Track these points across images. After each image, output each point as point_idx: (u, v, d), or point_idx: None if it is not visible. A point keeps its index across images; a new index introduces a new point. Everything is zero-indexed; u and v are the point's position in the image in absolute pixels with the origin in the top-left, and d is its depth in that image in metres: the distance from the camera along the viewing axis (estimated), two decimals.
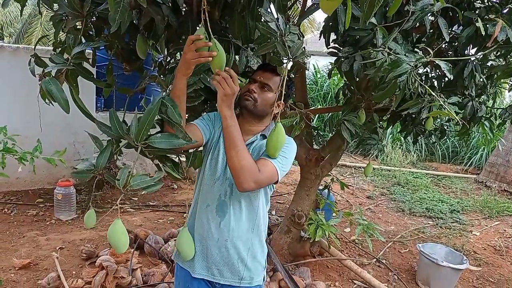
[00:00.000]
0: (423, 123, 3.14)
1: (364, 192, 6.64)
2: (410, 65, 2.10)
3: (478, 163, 9.02)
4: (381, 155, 8.76)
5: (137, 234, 3.72)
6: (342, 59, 2.51)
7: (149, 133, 1.45)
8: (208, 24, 1.39)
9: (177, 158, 1.80)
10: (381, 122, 3.95)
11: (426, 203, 6.07)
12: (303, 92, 3.42)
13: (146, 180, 1.45)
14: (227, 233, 1.64)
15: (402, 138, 8.97)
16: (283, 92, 1.50)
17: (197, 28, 1.89)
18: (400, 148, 8.75)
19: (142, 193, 5.34)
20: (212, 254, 1.66)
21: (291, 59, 1.61)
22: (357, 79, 2.70)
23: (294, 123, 2.47)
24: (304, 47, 1.68)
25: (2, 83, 4.66)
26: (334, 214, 3.86)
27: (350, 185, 6.95)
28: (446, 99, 2.60)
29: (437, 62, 2.13)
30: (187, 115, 1.89)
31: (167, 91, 1.69)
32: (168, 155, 1.72)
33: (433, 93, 2.07)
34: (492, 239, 4.96)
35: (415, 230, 5.05)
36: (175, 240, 3.67)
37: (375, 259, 4.01)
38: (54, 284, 2.90)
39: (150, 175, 1.45)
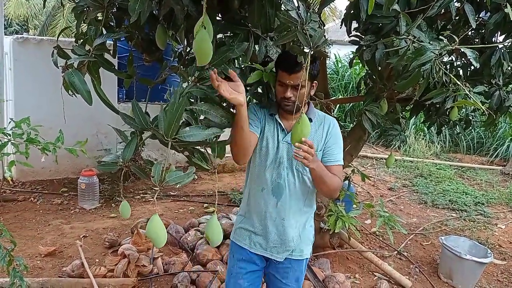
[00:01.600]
0: (447, 113, 3.04)
1: (386, 184, 6.55)
2: (435, 53, 2.04)
3: (505, 155, 8.76)
4: (403, 146, 8.60)
5: None
6: (364, 48, 2.47)
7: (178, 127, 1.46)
8: (204, 11, 1.37)
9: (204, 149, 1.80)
10: (403, 112, 3.89)
11: (450, 195, 5.94)
12: (323, 82, 3.37)
13: (181, 176, 1.46)
14: (284, 212, 1.82)
15: (426, 129, 8.78)
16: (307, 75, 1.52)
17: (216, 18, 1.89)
18: (423, 139, 8.57)
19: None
20: (270, 232, 1.84)
21: (312, 49, 1.58)
22: (379, 68, 2.65)
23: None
24: (325, 36, 1.65)
25: (27, 74, 4.77)
26: (354, 206, 3.82)
27: (371, 177, 6.85)
28: (471, 89, 2.53)
29: (462, 50, 2.07)
30: None
31: (188, 82, 1.69)
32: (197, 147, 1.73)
33: (458, 82, 2.00)
34: None
35: (437, 222, 4.96)
36: (195, 229, 3.72)
37: (396, 252, 3.96)
38: (78, 271, 2.98)
39: (170, 165, 1.46)
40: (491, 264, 3.85)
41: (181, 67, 2.09)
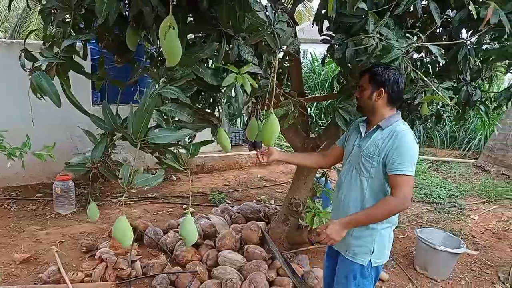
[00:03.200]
0: (418, 109, 3.13)
1: None
2: (402, 51, 2.10)
3: (477, 148, 9.03)
4: None
5: (137, 226, 3.74)
6: (335, 47, 2.51)
7: (147, 129, 1.46)
8: (171, 12, 1.39)
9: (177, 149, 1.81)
10: None
11: (425, 189, 6.09)
12: (298, 80, 3.40)
13: (149, 178, 1.47)
14: (341, 203, 2.04)
15: None
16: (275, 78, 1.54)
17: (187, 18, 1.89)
18: None
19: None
20: (332, 218, 2.07)
21: (280, 49, 1.61)
22: (350, 66, 2.70)
23: (288, 112, 2.47)
24: (294, 35, 1.67)
25: None
26: (331, 202, 3.86)
27: None
28: (439, 84, 2.60)
29: (429, 47, 2.13)
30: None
31: (160, 83, 1.70)
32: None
33: (425, 78, 2.06)
34: (490, 223, 4.99)
35: (413, 215, 5.08)
36: (174, 231, 3.70)
37: None
38: (54, 278, 2.93)
39: (149, 168, 1.46)
40: (465, 255, 3.97)
41: (152, 68, 2.08)
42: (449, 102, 2.00)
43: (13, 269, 3.12)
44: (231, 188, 5.59)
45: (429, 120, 3.72)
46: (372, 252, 1.97)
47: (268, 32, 1.57)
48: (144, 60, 2.51)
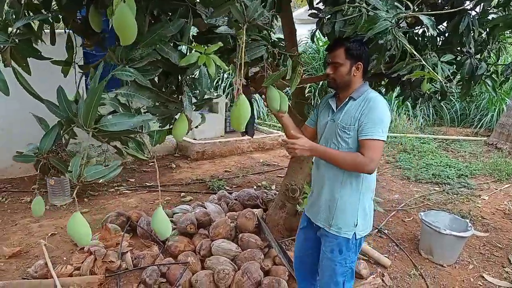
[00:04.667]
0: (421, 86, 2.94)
1: None
2: (390, 22, 1.90)
3: (489, 125, 8.73)
4: None
5: (130, 217, 3.65)
6: (324, 21, 2.32)
7: (100, 115, 1.32)
8: None
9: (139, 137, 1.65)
10: (379, 88, 3.76)
11: (433, 169, 5.88)
12: (292, 43, 3.16)
13: (101, 170, 1.33)
14: (322, 179, 2.02)
15: (409, 104, 8.68)
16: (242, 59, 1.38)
17: None
18: (405, 114, 8.47)
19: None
20: (313, 195, 2.11)
21: (247, 23, 1.43)
22: None
23: (288, 74, 2.14)
24: (264, 6, 1.49)
25: None
26: None
27: None
28: (440, 58, 2.40)
29: (420, 17, 1.93)
30: None
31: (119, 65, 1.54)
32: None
33: (415, 52, 1.86)
34: (501, 203, 4.79)
35: (420, 197, 4.89)
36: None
37: (376, 230, 3.88)
38: (41, 272, 2.85)
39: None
40: (474, 237, 3.79)
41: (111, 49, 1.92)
42: (439, 79, 1.82)
43: (1, 263, 3.05)
44: (231, 174, 5.45)
45: (432, 98, 3.52)
46: (356, 225, 1.98)
47: (234, 5, 1.39)
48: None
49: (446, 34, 2.81)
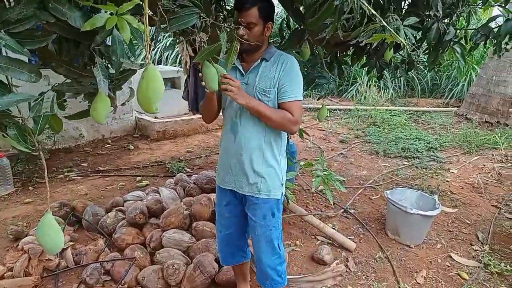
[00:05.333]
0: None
1: (338, 136, 6.27)
2: None
3: (460, 95, 8.66)
4: (357, 95, 8.31)
5: (74, 207, 3.32)
6: None
7: None
8: None
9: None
10: (345, 58, 3.49)
11: (402, 143, 5.72)
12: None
13: None
14: (240, 147, 1.92)
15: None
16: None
17: None
18: (375, 85, 8.27)
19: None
20: (231, 167, 1.98)
21: None
22: (294, 6, 2.19)
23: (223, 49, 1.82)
24: None
25: None
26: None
27: (323, 130, 6.57)
28: (402, 22, 2.13)
29: None
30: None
31: None
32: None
33: (374, 13, 1.58)
34: (471, 176, 4.68)
35: (388, 173, 4.73)
36: (117, 210, 3.28)
37: (342, 210, 3.69)
38: None
39: None
40: (442, 213, 3.65)
41: None
42: (403, 42, 1.55)
43: None
44: (194, 155, 5.15)
45: (399, 68, 3.28)
46: (282, 184, 2.03)
47: None
48: None
49: None
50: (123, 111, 5.69)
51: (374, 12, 1.58)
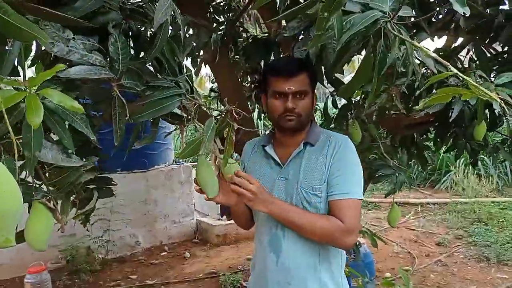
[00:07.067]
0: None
1: (433, 237, 5.15)
2: (383, 12, 1.06)
3: None
4: (453, 185, 7.17)
5: None
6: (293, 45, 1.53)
7: None
8: None
9: None
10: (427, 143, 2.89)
11: None
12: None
13: None
14: (288, 272, 1.38)
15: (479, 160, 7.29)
16: None
17: None
18: (473, 173, 7.02)
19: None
20: None
21: None
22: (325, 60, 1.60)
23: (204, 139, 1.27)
24: None
25: None
26: (354, 284, 2.55)
27: (413, 230, 5.51)
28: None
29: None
30: None
31: None
32: None
33: (455, 70, 0.94)
34: None
35: None
36: None
37: None
38: None
39: None
40: None
41: None
42: (496, 98, 0.88)
43: None
44: None
45: (500, 149, 2.48)
46: None
47: None
48: None
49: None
50: (182, 214, 5.31)
51: (455, 70, 0.94)
